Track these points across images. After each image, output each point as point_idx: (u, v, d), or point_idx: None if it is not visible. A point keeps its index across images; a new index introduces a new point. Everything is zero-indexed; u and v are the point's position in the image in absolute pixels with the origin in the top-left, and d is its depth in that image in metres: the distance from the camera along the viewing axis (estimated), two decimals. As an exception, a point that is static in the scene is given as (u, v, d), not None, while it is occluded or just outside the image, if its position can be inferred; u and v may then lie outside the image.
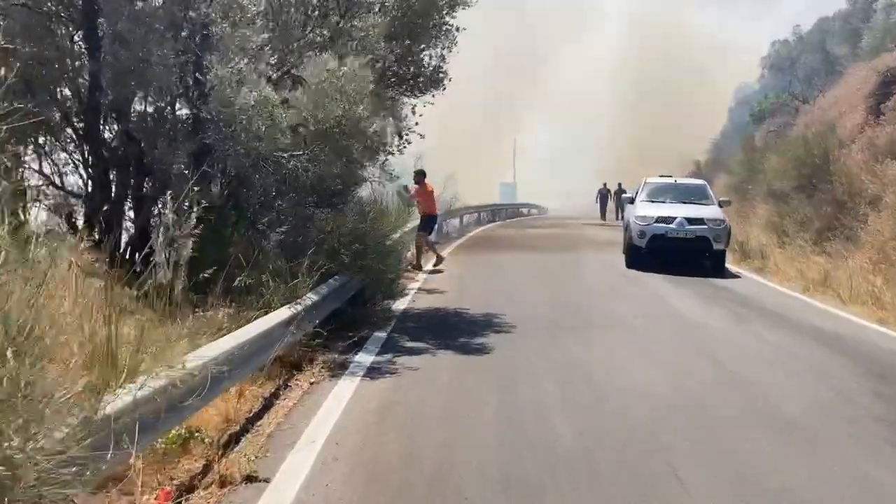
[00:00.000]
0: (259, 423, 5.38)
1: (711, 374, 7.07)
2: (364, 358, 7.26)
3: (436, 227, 14.97)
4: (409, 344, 7.91)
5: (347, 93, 7.16)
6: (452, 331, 8.56)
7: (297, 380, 6.50)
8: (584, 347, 7.81)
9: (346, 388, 6.24)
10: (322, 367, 6.85)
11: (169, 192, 8.07)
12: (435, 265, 14.22)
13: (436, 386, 6.35)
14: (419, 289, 11.85)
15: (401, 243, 13.23)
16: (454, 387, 6.33)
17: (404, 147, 9.86)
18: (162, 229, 7.39)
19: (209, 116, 7.29)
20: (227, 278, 7.30)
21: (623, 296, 11.57)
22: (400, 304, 10.31)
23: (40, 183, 8.67)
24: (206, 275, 7.58)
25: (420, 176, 14.08)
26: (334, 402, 5.85)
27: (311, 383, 6.43)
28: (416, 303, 10.55)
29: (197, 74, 7.13)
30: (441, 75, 9.70)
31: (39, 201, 8.68)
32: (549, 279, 12.91)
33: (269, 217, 8.61)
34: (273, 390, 6.15)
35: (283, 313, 6.53)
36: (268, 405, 5.84)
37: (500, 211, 32.65)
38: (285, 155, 7.64)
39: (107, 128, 8.40)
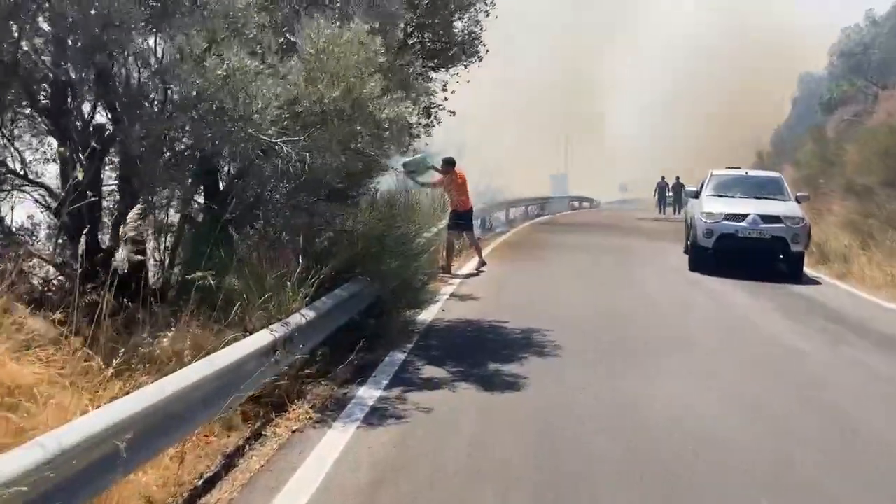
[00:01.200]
0: (203, 500, 3.94)
1: (828, 429, 5.42)
2: (368, 393, 5.78)
3: (475, 223, 13.32)
4: (428, 372, 6.41)
5: (350, 66, 5.65)
6: (483, 353, 7.04)
7: (275, 425, 5.06)
8: (646, 382, 6.19)
9: (334, 442, 4.77)
10: (312, 407, 5.39)
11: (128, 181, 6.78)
12: (477, 268, 12.62)
13: (452, 441, 4.83)
14: (452, 294, 10.33)
15: (434, 242, 11.79)
16: (476, 444, 4.80)
17: (432, 126, 8.34)
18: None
19: (174, 91, 5.92)
20: (205, 290, 5.96)
21: (690, 308, 9.88)
22: (426, 315, 8.82)
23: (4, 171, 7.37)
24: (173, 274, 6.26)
25: (448, 165, 12.37)
26: (314, 468, 4.38)
27: (294, 431, 4.98)
28: (445, 313, 9.05)
29: (159, 38, 5.73)
30: (476, 42, 8.12)
31: (23, 190, 7.39)
32: (603, 285, 11.28)
33: (262, 214, 7.20)
34: (240, 443, 4.72)
35: (259, 339, 5.10)
36: (227, 466, 4.41)
37: (549, 204, 30.88)
38: (276, 141, 6.19)
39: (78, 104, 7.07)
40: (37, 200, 7.40)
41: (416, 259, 9.48)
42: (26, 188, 7.24)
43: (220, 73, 5.37)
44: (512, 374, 6.27)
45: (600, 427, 5.11)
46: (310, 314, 6.03)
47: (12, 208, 7.38)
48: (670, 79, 48.46)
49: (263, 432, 4.93)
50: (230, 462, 4.45)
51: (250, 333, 5.35)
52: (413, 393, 5.77)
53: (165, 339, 4.77)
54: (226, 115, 5.66)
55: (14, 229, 7.35)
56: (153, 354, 5.12)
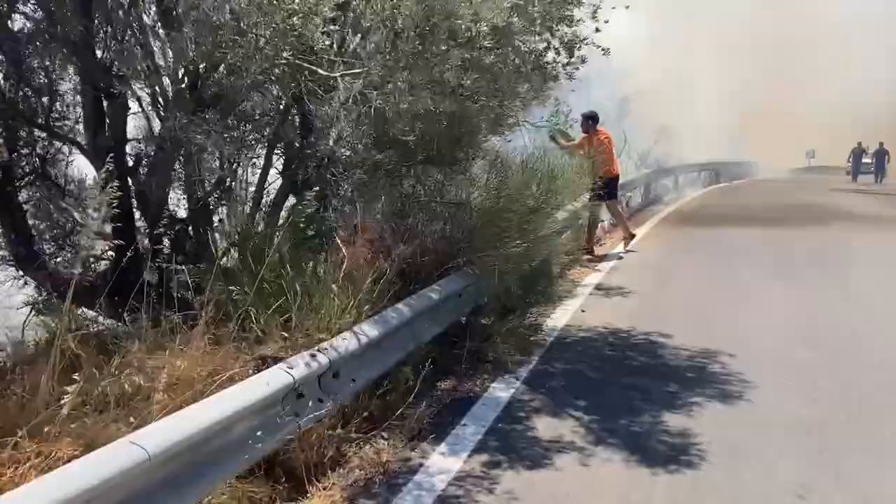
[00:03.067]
0: None
1: None
2: (441, 463, 3.75)
3: (619, 193, 10.90)
4: (545, 421, 4.30)
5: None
6: (632, 389, 4.81)
7: (280, 523, 3.17)
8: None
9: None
10: (350, 486, 3.46)
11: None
12: (625, 247, 10.27)
13: None
14: (597, 287, 8.06)
15: (579, 216, 9.50)
16: None
17: (575, 66, 6.09)
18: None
19: None
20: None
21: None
22: (558, 317, 6.68)
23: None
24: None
25: (590, 121, 9.88)
26: None
27: (303, 539, 3.07)
28: (584, 315, 6.84)
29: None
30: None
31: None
32: (803, 279, 8.42)
33: (329, 178, 5.30)
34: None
35: (255, 388, 3.19)
36: None
37: (726, 169, 27.26)
38: (335, 76, 4.24)
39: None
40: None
41: (549, 241, 7.33)
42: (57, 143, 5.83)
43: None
44: (677, 439, 4.01)
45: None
46: (371, 331, 4.08)
47: (67, 166, 6.06)
48: (874, 30, 41.80)
49: (253, 539, 3.05)
50: None
51: (264, 365, 3.50)
52: (512, 470, 3.67)
53: (65, 400, 2.93)
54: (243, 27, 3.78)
55: (71, 191, 6.01)
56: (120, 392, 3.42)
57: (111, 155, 5.19)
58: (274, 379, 3.26)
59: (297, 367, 3.40)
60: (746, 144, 34.95)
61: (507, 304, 6.25)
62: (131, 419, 3.12)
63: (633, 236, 10.27)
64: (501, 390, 4.78)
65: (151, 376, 3.45)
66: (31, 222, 5.71)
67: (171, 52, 4.67)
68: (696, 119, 28.45)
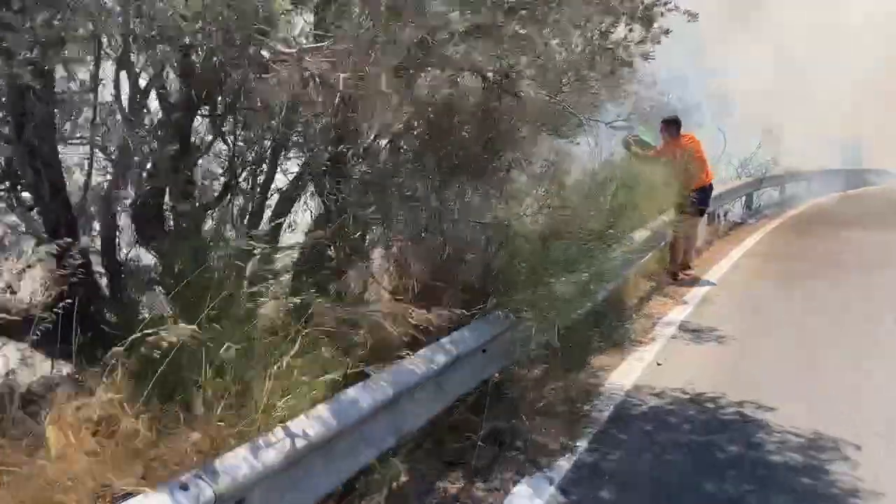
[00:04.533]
0: None
1: None
2: None
3: (709, 208, 9.15)
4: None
5: None
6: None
7: None
8: None
9: None
10: None
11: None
12: (684, 273, 8.51)
13: None
14: (680, 326, 6.46)
15: (658, 240, 7.85)
16: None
17: (652, 44, 4.60)
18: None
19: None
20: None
21: None
22: (624, 375, 5.18)
23: None
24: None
25: (671, 126, 8.28)
26: None
27: None
28: (660, 369, 5.32)
29: None
30: None
31: None
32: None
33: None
34: None
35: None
36: None
37: (841, 178, 24.42)
38: (291, 52, 2.91)
39: None
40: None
41: (619, 270, 5.83)
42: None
43: None
44: None
45: None
46: (314, 426, 2.75)
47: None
48: None
49: None
50: None
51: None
52: None
53: None
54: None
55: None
56: None
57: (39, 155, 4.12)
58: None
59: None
60: (867, 149, 31.70)
61: (554, 357, 4.81)
62: None
63: (686, 268, 8.47)
64: (526, 500, 3.36)
65: None
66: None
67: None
68: (809, 121, 25.78)
